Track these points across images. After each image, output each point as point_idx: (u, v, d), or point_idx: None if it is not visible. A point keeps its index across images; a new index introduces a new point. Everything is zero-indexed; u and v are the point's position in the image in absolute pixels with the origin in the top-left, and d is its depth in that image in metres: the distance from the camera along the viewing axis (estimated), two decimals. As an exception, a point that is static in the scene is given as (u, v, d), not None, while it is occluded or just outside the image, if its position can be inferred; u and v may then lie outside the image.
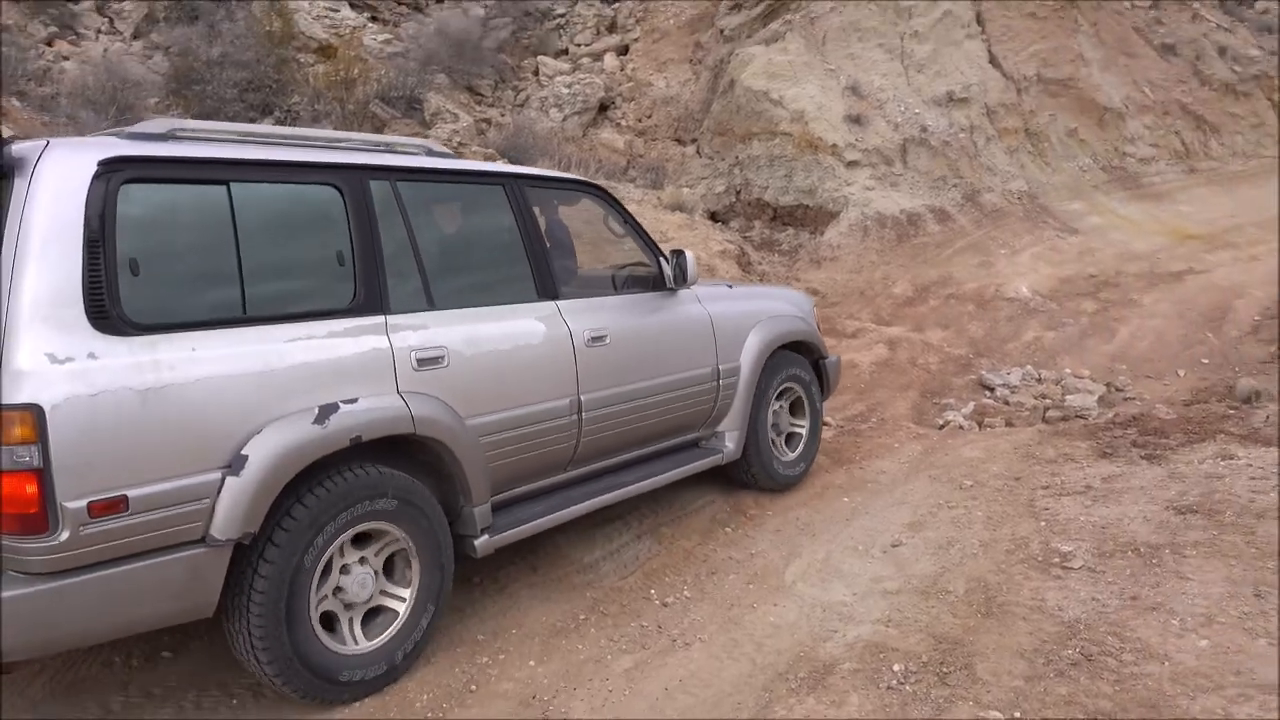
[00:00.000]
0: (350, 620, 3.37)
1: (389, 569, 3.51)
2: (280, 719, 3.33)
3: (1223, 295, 10.53)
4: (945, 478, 5.56)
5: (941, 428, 7.44)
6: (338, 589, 3.30)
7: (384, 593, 3.49)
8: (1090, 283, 10.91)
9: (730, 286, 5.61)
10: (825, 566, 4.48)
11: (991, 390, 8.54)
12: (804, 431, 5.59)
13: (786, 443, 5.55)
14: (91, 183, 2.82)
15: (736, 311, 5.08)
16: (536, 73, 15.98)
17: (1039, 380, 8.77)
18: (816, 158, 12.16)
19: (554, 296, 4.11)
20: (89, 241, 2.77)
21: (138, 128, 3.21)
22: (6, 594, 2.58)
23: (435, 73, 14.28)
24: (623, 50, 16.44)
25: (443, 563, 3.60)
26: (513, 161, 11.64)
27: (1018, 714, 2.99)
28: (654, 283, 4.66)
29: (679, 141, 14.76)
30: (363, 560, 3.38)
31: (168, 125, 3.23)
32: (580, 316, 4.15)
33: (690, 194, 12.71)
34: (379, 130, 12.60)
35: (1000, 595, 3.84)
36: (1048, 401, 8.26)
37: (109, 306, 2.77)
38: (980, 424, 7.67)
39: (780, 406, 5.45)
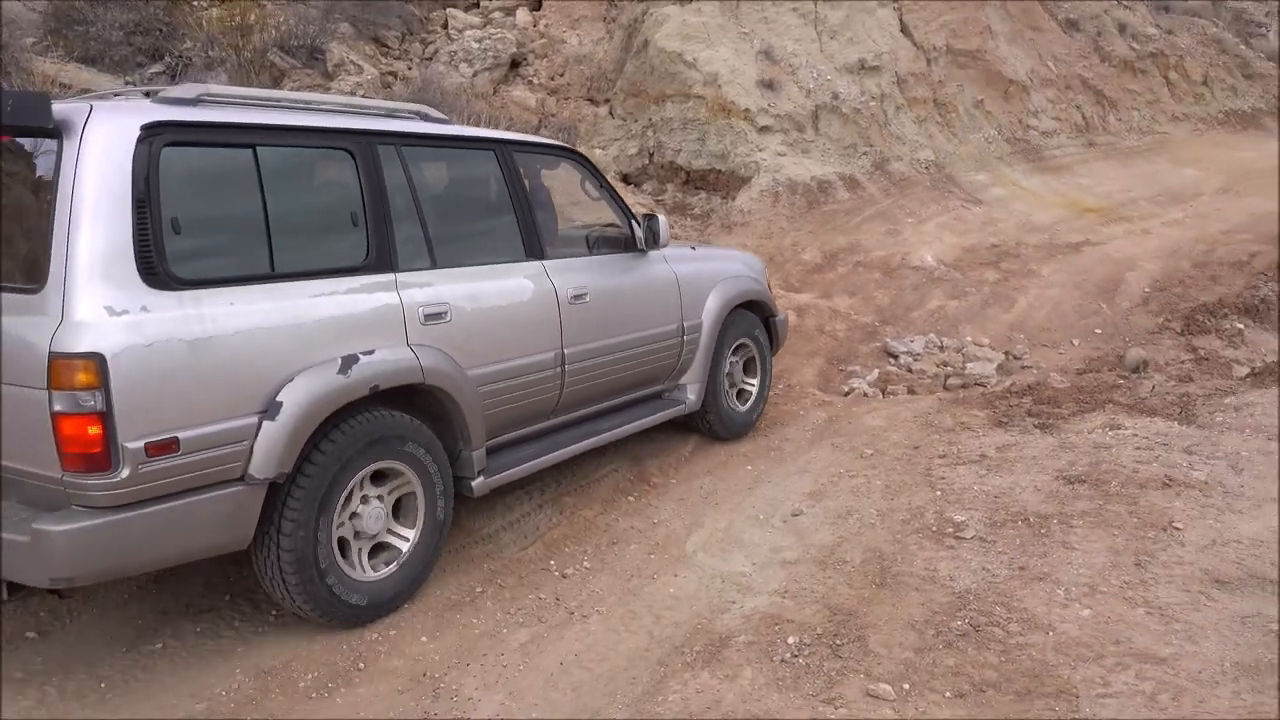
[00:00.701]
0: (360, 550, 3.61)
1: (396, 510, 3.77)
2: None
3: (1116, 267, 10.87)
4: (847, 446, 5.61)
5: (846, 395, 7.51)
6: (354, 515, 3.56)
7: (391, 531, 3.75)
8: (992, 253, 11.15)
9: (694, 248, 5.85)
10: (726, 536, 4.47)
11: (896, 358, 8.67)
12: (755, 384, 5.98)
13: (739, 396, 5.88)
14: (136, 146, 2.96)
15: (699, 272, 5.36)
16: (446, 25, 15.49)
17: (941, 348, 8.93)
18: (729, 122, 12.08)
19: (540, 256, 4.37)
20: (136, 202, 2.93)
21: (168, 92, 3.35)
22: (73, 526, 2.80)
23: (339, 22, 13.70)
24: (535, 5, 16.05)
25: (445, 502, 3.86)
26: (420, 117, 11.28)
27: (906, 686, 3.02)
28: (626, 244, 4.92)
29: (592, 101, 14.52)
30: (378, 497, 3.64)
31: (197, 90, 3.38)
32: (563, 275, 4.41)
33: (603, 155, 12.54)
34: (277, 81, 12.06)
35: (895, 566, 3.88)
36: (949, 369, 8.42)
37: (156, 263, 2.96)
38: (884, 391, 7.78)
39: (735, 361, 5.78)
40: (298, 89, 12.27)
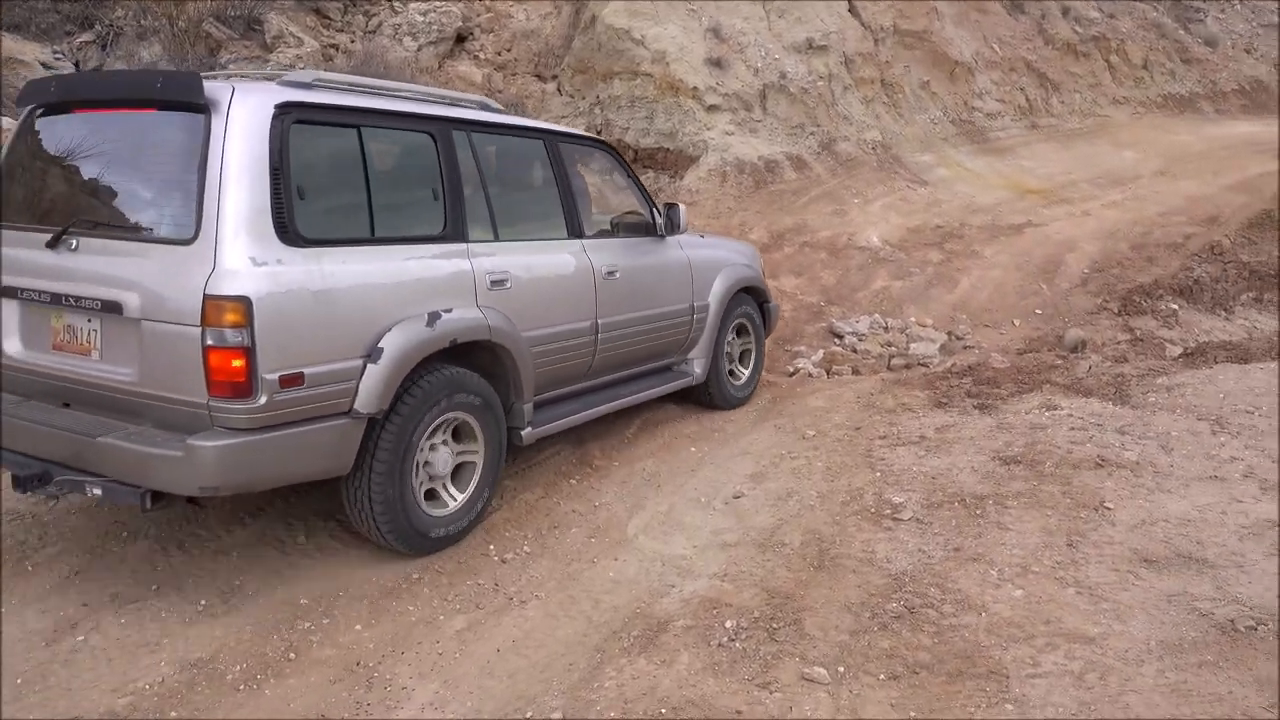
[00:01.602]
0: (432, 487, 4.07)
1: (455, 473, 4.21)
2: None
3: (1056, 249, 11.04)
4: (790, 427, 5.62)
5: (791, 375, 7.54)
6: (427, 463, 4.00)
7: (445, 486, 4.16)
8: (936, 233, 11.25)
9: (702, 236, 6.34)
10: (668, 519, 4.46)
11: (841, 338, 8.72)
12: (751, 362, 6.47)
13: (735, 373, 6.33)
14: (272, 122, 3.42)
15: (707, 258, 5.88)
16: (390, -2, 15.17)
17: (886, 329, 9.00)
18: (677, 100, 12.01)
19: (580, 235, 4.87)
20: (273, 169, 3.38)
21: (289, 76, 3.81)
22: (221, 442, 3.23)
23: (278, -8, 13.34)
24: (482, -22, 15.78)
25: (500, 448, 4.31)
26: (362, 92, 11.06)
27: (841, 669, 3.03)
28: (646, 229, 5.42)
29: (539, 78, 14.34)
30: (444, 443, 4.07)
31: (312, 76, 3.86)
32: (598, 254, 4.91)
33: (550, 133, 12.39)
34: (213, 51, 11.73)
35: (833, 548, 3.89)
36: (893, 349, 8.49)
37: (288, 222, 3.40)
38: (829, 372, 7.82)
39: (733, 340, 6.24)
40: (235, 60, 11.95)
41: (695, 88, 11.99)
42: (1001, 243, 11.18)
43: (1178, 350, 8.06)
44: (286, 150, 3.44)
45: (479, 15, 14.96)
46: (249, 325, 3.22)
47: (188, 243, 3.30)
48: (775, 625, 3.31)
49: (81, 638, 3.41)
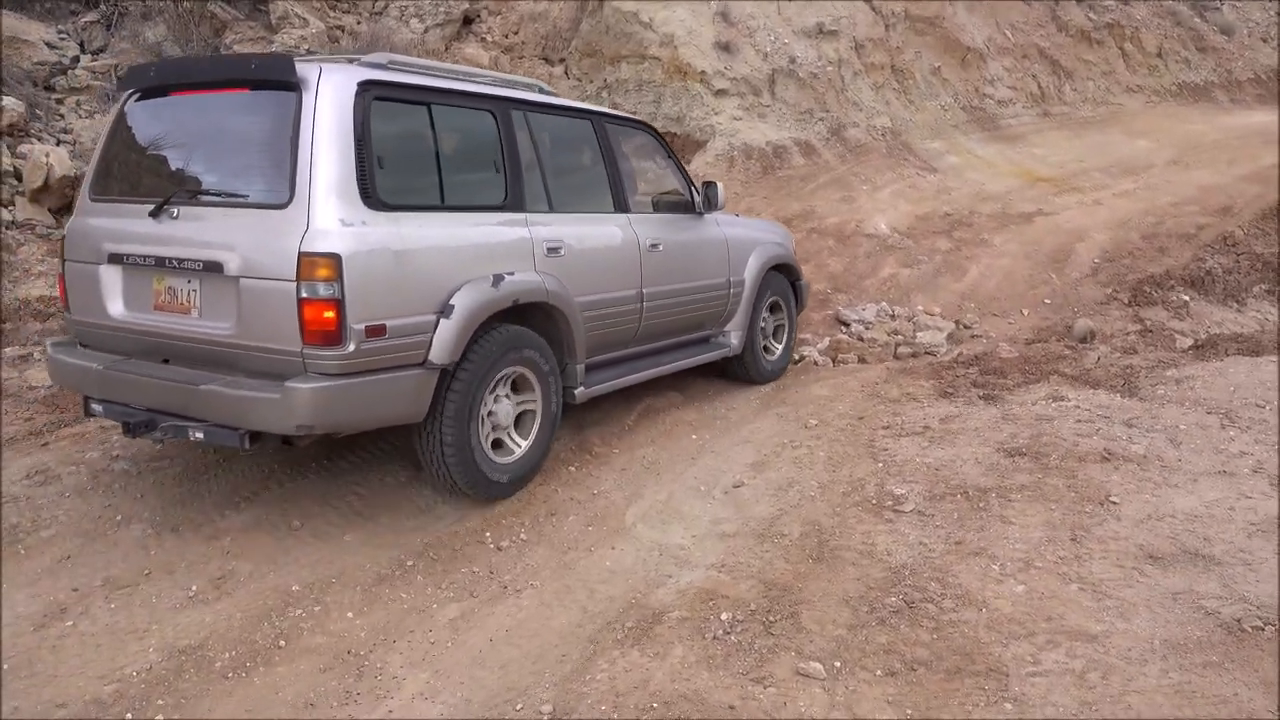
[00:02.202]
0: (495, 436, 4.37)
1: (518, 423, 4.51)
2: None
3: (1067, 238, 10.91)
4: (792, 416, 5.56)
5: (797, 363, 7.46)
6: (491, 413, 4.30)
7: (510, 435, 4.47)
8: (945, 221, 11.13)
9: (737, 215, 6.68)
10: (666, 508, 4.41)
11: (847, 326, 8.63)
12: (784, 337, 6.73)
13: (768, 348, 6.58)
14: (355, 98, 3.76)
15: (743, 236, 6.16)
16: (398, -21, 15.05)
17: (893, 317, 8.92)
18: (685, 84, 11.90)
19: (626, 210, 5.19)
20: (357, 141, 3.72)
21: (367, 58, 4.15)
22: (315, 385, 3.56)
23: (285, -27, 13.23)
24: (491, -40, 15.64)
25: (556, 401, 4.60)
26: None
27: (838, 664, 2.98)
28: (685, 206, 5.69)
29: (547, 60, 14.22)
30: (507, 395, 4.39)
31: (386, 58, 4.22)
32: (643, 227, 5.22)
33: (556, 116, 12.29)
34: (218, 32, 11.65)
35: (833, 539, 3.83)
36: (900, 338, 8.40)
37: (370, 189, 3.74)
38: (835, 360, 7.74)
39: (768, 318, 6.50)
40: (240, 42, 11.88)
41: (703, 72, 11.87)
42: (1011, 231, 11.06)
43: (1188, 342, 7.96)
44: (368, 123, 3.78)
45: (486, -3, 14.84)
46: (339, 279, 3.54)
47: (282, 207, 3.63)
48: (772, 618, 3.25)
49: (70, 623, 3.37)
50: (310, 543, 4.01)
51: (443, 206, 4.10)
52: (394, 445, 5.04)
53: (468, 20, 14.55)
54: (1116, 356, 6.61)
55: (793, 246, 6.89)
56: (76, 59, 11.19)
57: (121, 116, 4.30)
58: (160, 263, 3.92)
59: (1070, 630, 3.05)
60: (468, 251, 4.10)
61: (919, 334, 8.51)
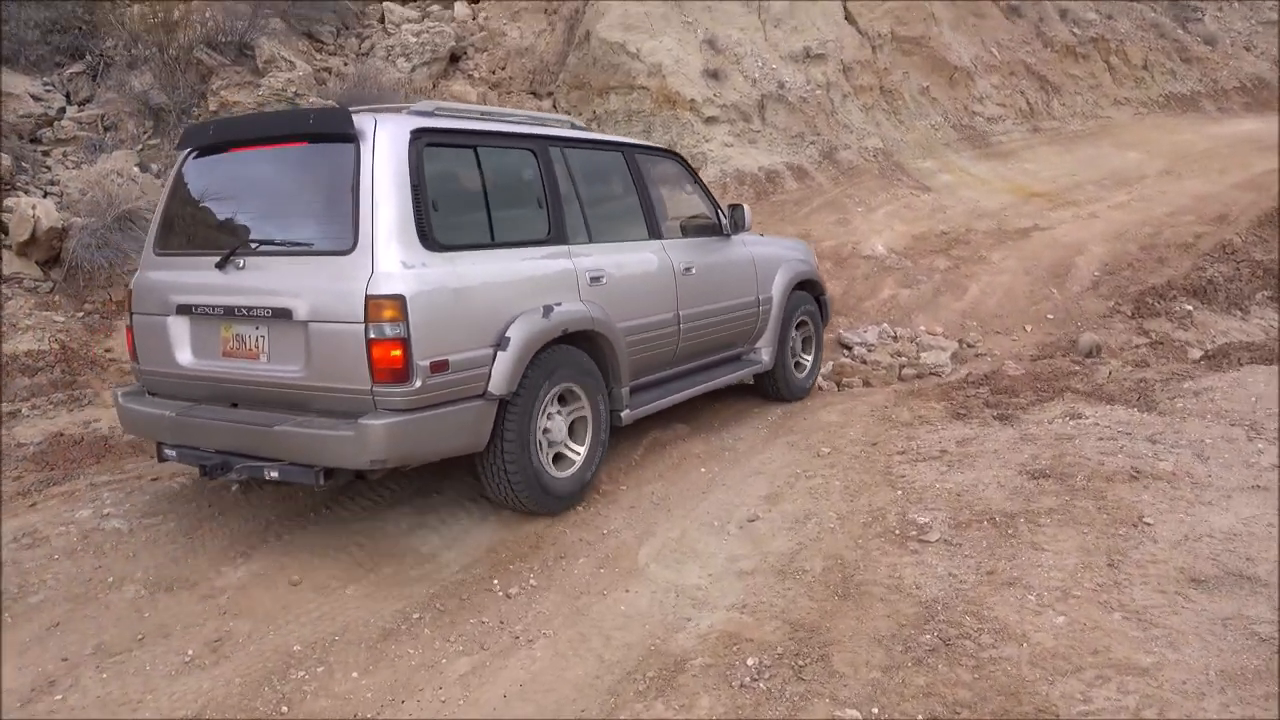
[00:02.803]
0: (549, 455, 4.51)
1: (571, 430, 4.68)
2: None
3: (1065, 252, 10.83)
4: (803, 444, 5.40)
5: (801, 389, 7.32)
6: (546, 430, 4.46)
7: (568, 445, 4.66)
8: (942, 240, 11.05)
9: (761, 235, 6.79)
10: (680, 545, 4.24)
11: (850, 349, 8.52)
12: (812, 352, 6.90)
13: (798, 365, 6.76)
14: (409, 146, 3.94)
15: (768, 254, 6.33)
16: (383, 20, 15.02)
17: (895, 338, 8.80)
18: (675, 113, 11.86)
19: (659, 236, 5.37)
20: (413, 187, 3.90)
21: (415, 107, 4.36)
22: (386, 421, 3.73)
23: (269, 17, 13.17)
24: (475, -2, 15.65)
25: (605, 422, 4.77)
26: (355, 114, 10.93)
27: (876, 710, 2.81)
28: (712, 229, 5.85)
29: (535, 95, 14.18)
30: (558, 413, 4.55)
31: (433, 105, 4.44)
32: (676, 252, 5.40)
33: (546, 150, 12.22)
34: (205, 78, 11.58)
35: (857, 574, 3.67)
36: (903, 359, 8.28)
37: (428, 231, 3.92)
38: (839, 384, 7.62)
39: (796, 336, 6.66)
40: (227, 87, 11.81)
41: (692, 100, 11.84)
42: (1008, 247, 10.98)
43: (1198, 352, 7.84)
44: (422, 169, 3.97)
45: (472, 34, 14.84)
46: (404, 319, 3.72)
47: (347, 253, 3.81)
48: (801, 662, 3.08)
49: (59, 697, 3.19)
50: (311, 598, 3.83)
51: (493, 244, 4.31)
52: (394, 492, 4.89)
53: (454, 58, 14.52)
54: (1128, 370, 6.48)
55: (815, 262, 7.05)
56: (63, 110, 11.11)
57: (181, 174, 4.52)
58: (229, 312, 4.10)
59: (1119, 663, 2.88)
60: (519, 285, 4.29)
61: (923, 355, 8.39)
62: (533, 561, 4.19)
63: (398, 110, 4.26)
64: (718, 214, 5.91)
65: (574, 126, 5.30)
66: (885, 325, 8.97)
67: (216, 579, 4.02)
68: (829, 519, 4.24)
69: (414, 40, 14.21)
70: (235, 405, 4.19)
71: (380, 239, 3.77)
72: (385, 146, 3.88)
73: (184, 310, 4.27)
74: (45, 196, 9.09)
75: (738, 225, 5.92)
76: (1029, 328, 9.34)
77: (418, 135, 4.00)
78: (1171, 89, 17.94)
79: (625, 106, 12.14)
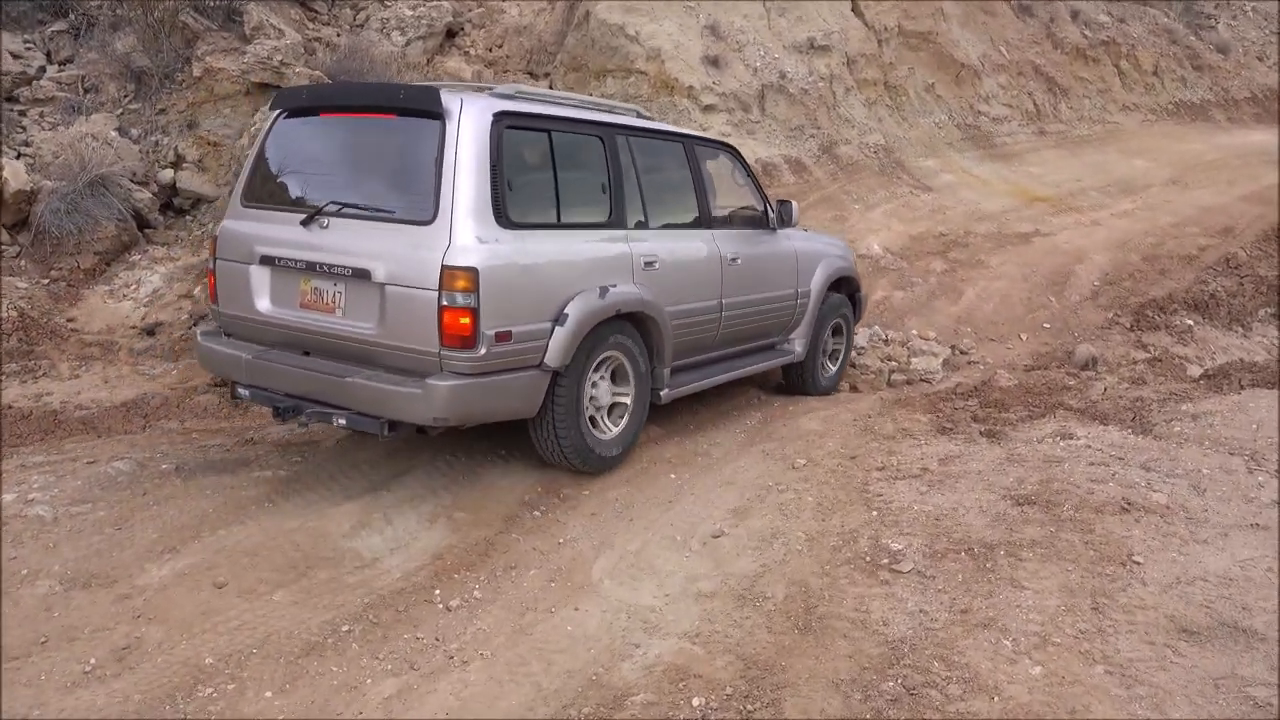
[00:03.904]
0: (596, 418, 4.79)
1: (612, 413, 4.94)
2: None
3: (1065, 259, 10.55)
4: (779, 454, 5.13)
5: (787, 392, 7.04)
6: (592, 396, 4.72)
7: (611, 413, 4.92)
8: (940, 241, 10.76)
9: (805, 230, 6.94)
10: (638, 560, 3.98)
11: (838, 352, 8.22)
12: (842, 351, 7.10)
13: (831, 357, 6.97)
14: (491, 127, 4.18)
15: (809, 250, 6.49)
16: (380, -9, 14.67)
17: (886, 342, 8.51)
18: (672, 99, 11.52)
19: (710, 226, 5.57)
20: (492, 166, 4.15)
21: (497, 89, 4.60)
22: (451, 382, 4.02)
23: (262, -18, 12.82)
24: (475, -27, 15.27)
25: (645, 397, 5.00)
26: (342, 86, 10.59)
27: (827, 768, 2.54)
28: (759, 222, 6.02)
29: (532, 75, 13.83)
30: (604, 378, 4.81)
31: (514, 89, 4.65)
32: (724, 242, 5.59)
33: (539, 132, 11.89)
34: (190, 42, 11.24)
35: (821, 604, 3.39)
36: (893, 364, 8.01)
37: (502, 209, 4.17)
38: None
39: (828, 337, 6.82)
40: (212, 52, 11.47)
41: (691, 87, 11.51)
42: (1008, 252, 10.69)
43: (1198, 370, 7.57)
44: (501, 150, 4.20)
45: (470, 10, 14.48)
46: (476, 290, 3.95)
47: (427, 224, 4.06)
48: (750, 706, 2.81)
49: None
50: (234, 604, 3.56)
51: (559, 224, 4.56)
52: (344, 487, 4.62)
53: (450, 33, 14.17)
54: (1125, 388, 6.21)
55: (853, 259, 7.21)
56: (43, 69, 10.78)
57: (270, 133, 4.76)
58: (310, 267, 4.33)
59: (1098, 727, 2.62)
60: (579, 266, 4.51)
61: (913, 360, 8.11)
62: (480, 571, 3.92)
63: (481, 91, 4.50)
64: (765, 207, 6.06)
65: (640, 115, 5.56)
66: (876, 328, 8.68)
67: (138, 577, 3.75)
68: (797, 540, 3.96)
69: (410, 14, 13.85)
70: (307, 353, 4.45)
71: (459, 213, 4.02)
72: (470, 126, 4.11)
73: (267, 261, 4.51)
74: (19, 158, 8.79)
75: (784, 220, 6.10)
76: (1024, 336, 9.07)
77: (499, 118, 4.24)
78: (1182, 97, 17.62)
79: (622, 90, 11.81)
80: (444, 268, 3.95)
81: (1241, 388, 5.88)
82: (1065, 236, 11.21)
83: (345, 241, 4.25)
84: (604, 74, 12.10)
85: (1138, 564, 3.49)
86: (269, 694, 3.05)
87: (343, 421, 4.21)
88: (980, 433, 5.18)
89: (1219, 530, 3.75)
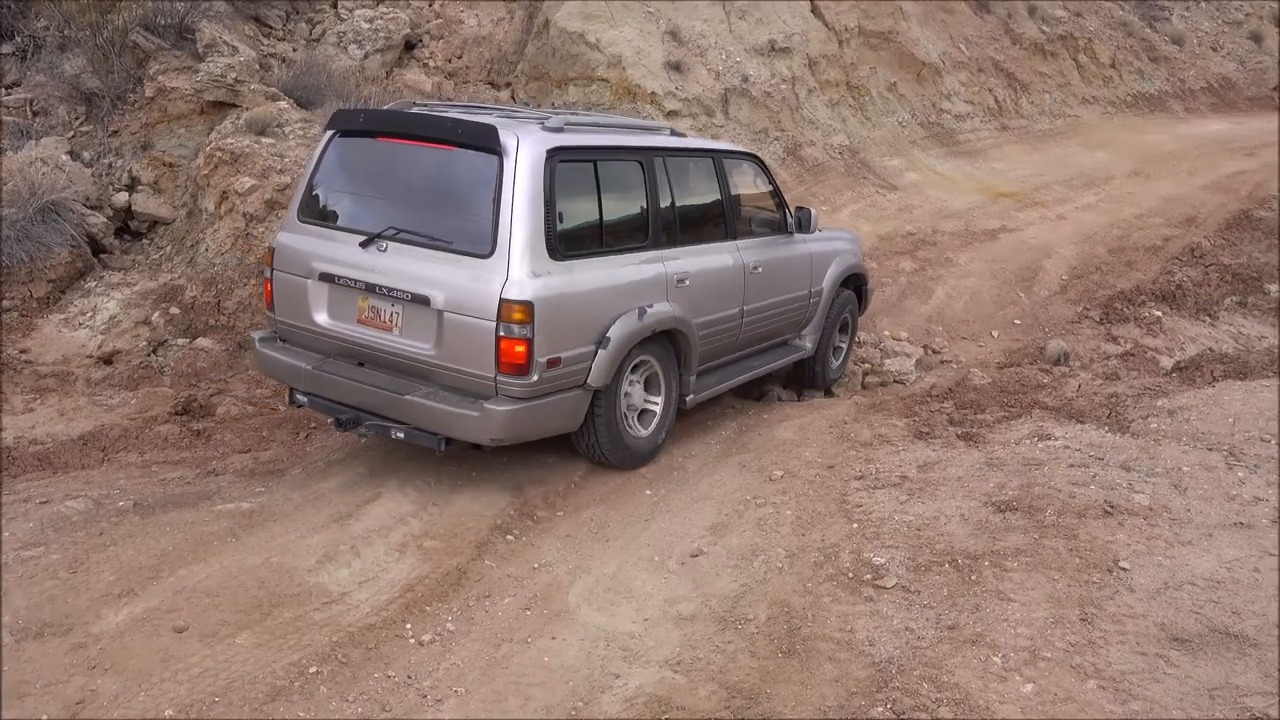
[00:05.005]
0: (630, 419, 5.04)
1: (643, 417, 5.19)
2: None
3: (1033, 254, 10.57)
4: (755, 465, 5.04)
5: (759, 399, 6.97)
6: (627, 394, 4.94)
7: (644, 408, 5.17)
8: (908, 240, 10.74)
9: (821, 229, 7.00)
10: (615, 583, 3.87)
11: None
12: (846, 344, 7.36)
13: (834, 353, 7.15)
14: (545, 164, 4.40)
15: (824, 250, 6.68)
16: (335, 4, 14.47)
17: (858, 343, 8.45)
18: (635, 106, 11.42)
19: (735, 237, 5.73)
20: (546, 202, 4.37)
21: (549, 122, 4.70)
22: (507, 406, 4.28)
23: (214, -1, 12.59)
24: (432, -16, 15.11)
25: (674, 403, 5.27)
26: (300, 103, 10.42)
27: (818, 803, 2.44)
28: (779, 227, 6.16)
29: (493, 85, 13.70)
30: (636, 382, 5.04)
31: (562, 120, 4.76)
32: (747, 252, 5.77)
33: (502, 142, 11.76)
34: (141, 62, 11.01)
35: (805, 625, 3.30)
36: (867, 366, 7.95)
37: (554, 242, 4.40)
38: (799, 394, 7.27)
39: (838, 332, 7.08)
40: (165, 71, 11.25)
41: (654, 92, 11.44)
42: (976, 249, 10.69)
43: (1169, 361, 7.58)
44: (554, 185, 4.42)
45: (428, 21, 14.31)
46: (531, 322, 4.21)
47: (486, 257, 4.30)
48: (736, 739, 2.71)
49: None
50: (195, 649, 3.40)
51: (602, 250, 4.77)
52: (311, 523, 4.46)
53: (409, 45, 14.00)
54: (1099, 384, 6.18)
55: (862, 251, 7.42)
56: (-12, 93, 10.51)
57: (325, 152, 4.95)
58: (370, 288, 4.55)
59: (1094, 747, 2.54)
60: (620, 289, 4.73)
61: (886, 361, 8.06)
62: (453, 602, 3.80)
63: (531, 124, 4.66)
64: (784, 213, 6.24)
65: (673, 133, 5.74)
66: (848, 330, 8.61)
67: (94, 624, 3.58)
68: (778, 557, 3.87)
69: (367, 26, 13.66)
70: (361, 364, 4.71)
71: (516, 249, 4.24)
72: (526, 165, 4.32)
73: (326, 278, 4.70)
74: (-39, 185, 8.53)
75: (804, 226, 6.26)
76: (996, 333, 9.05)
77: (552, 154, 4.44)
78: (1140, 88, 17.80)
79: (585, 98, 11.71)
80: (502, 300, 4.19)
81: (1214, 379, 5.86)
82: (1032, 232, 11.24)
83: (404, 266, 4.45)
84: (566, 82, 12.00)
85: (1124, 570, 3.43)
86: (233, 745, 2.91)
87: (401, 435, 4.48)
88: (957, 436, 5.11)
89: (1203, 531, 3.70)
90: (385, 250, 4.53)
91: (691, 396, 5.36)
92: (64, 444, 5.93)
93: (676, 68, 11.80)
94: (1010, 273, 10.14)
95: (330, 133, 4.94)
